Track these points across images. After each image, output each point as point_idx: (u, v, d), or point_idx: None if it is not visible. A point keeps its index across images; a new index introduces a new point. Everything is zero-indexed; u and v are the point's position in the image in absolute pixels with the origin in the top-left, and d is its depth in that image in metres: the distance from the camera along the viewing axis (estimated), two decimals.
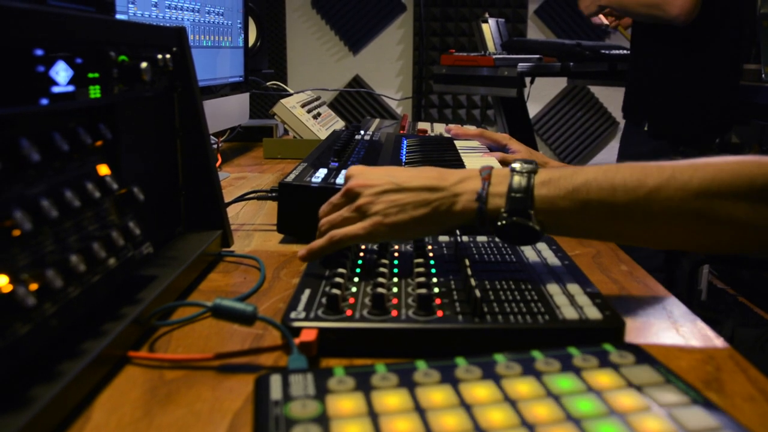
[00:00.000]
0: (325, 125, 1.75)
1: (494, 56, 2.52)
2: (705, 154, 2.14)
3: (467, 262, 0.63)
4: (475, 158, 1.16)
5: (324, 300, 0.58)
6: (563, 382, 0.43)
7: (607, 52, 2.56)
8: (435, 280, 0.64)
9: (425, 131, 1.59)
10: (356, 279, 0.64)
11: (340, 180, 0.88)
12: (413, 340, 0.55)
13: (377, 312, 0.56)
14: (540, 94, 3.92)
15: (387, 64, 3.99)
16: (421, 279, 0.60)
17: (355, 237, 0.65)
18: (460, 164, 1.08)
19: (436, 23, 3.89)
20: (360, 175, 0.68)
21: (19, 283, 0.41)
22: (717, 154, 0.60)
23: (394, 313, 0.56)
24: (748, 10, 2.19)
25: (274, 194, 0.96)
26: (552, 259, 0.71)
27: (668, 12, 1.98)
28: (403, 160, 1.08)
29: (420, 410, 0.40)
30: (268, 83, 2.06)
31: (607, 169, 0.61)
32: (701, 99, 2.13)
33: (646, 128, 2.20)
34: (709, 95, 2.13)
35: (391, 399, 0.41)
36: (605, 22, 2.54)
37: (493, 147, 1.32)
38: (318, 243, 0.67)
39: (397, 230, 0.64)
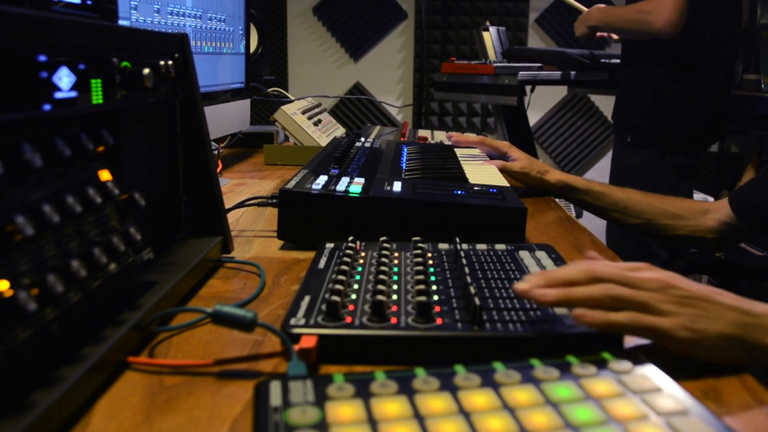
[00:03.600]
0: (326, 132, 1.76)
1: (495, 64, 2.53)
2: (694, 164, 2.12)
3: (467, 270, 0.64)
4: (476, 166, 1.16)
5: (324, 307, 0.58)
6: (562, 390, 0.43)
7: (607, 61, 2.57)
8: (435, 287, 0.64)
9: (426, 139, 1.59)
10: (356, 286, 0.64)
11: (340, 187, 0.88)
12: (412, 348, 0.55)
13: (377, 319, 0.56)
14: (540, 103, 3.93)
15: (388, 71, 4.00)
16: (421, 286, 0.60)
17: (660, 332, 0.55)
18: (460, 172, 1.08)
19: (437, 31, 3.90)
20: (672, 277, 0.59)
21: (20, 288, 0.41)
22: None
23: (393, 320, 0.56)
24: (735, 22, 2.19)
25: (274, 201, 0.96)
26: (551, 267, 0.71)
27: (653, 26, 1.99)
28: (404, 167, 1.08)
29: (419, 417, 0.40)
30: (269, 90, 2.07)
31: None
32: (685, 112, 2.14)
33: (629, 139, 2.22)
34: (693, 108, 2.14)
35: (390, 406, 0.41)
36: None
37: (494, 155, 1.32)
38: (618, 319, 0.54)
39: (701, 341, 0.55)
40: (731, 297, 0.58)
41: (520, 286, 0.57)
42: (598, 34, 2.35)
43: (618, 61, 2.63)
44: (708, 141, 2.28)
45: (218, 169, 1.49)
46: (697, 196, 2.96)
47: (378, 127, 1.76)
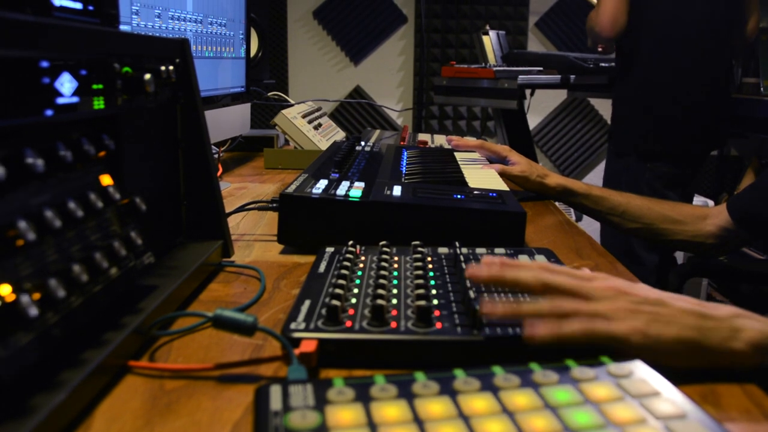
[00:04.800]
0: (326, 136, 1.76)
1: (495, 68, 2.53)
2: (684, 173, 2.12)
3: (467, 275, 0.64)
4: (475, 170, 1.16)
5: (324, 311, 0.58)
6: (561, 394, 0.43)
7: (606, 65, 2.58)
8: (434, 292, 0.64)
9: (425, 142, 1.59)
10: (356, 290, 0.64)
11: (340, 191, 0.88)
12: (412, 352, 0.55)
13: (377, 323, 0.56)
14: (540, 106, 3.94)
15: (388, 75, 4.01)
16: (421, 291, 0.61)
17: (613, 338, 0.54)
18: (460, 176, 1.08)
19: (437, 35, 3.90)
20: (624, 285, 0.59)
21: (22, 292, 0.41)
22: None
23: (393, 324, 0.57)
24: (724, 33, 2.18)
25: (274, 205, 0.97)
26: None
27: (594, 30, 2.18)
28: (404, 171, 1.08)
29: (418, 421, 0.40)
30: (269, 93, 2.07)
31: None
32: (662, 117, 2.16)
33: (612, 147, 2.26)
34: (669, 113, 2.15)
35: (390, 410, 0.41)
36: None
37: (493, 158, 1.33)
38: (569, 331, 0.53)
39: (657, 346, 0.53)
40: (689, 301, 0.57)
41: (473, 271, 0.59)
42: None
43: None
44: (694, 151, 2.24)
45: (219, 173, 1.49)
46: (698, 199, 2.96)
47: (378, 131, 1.76)
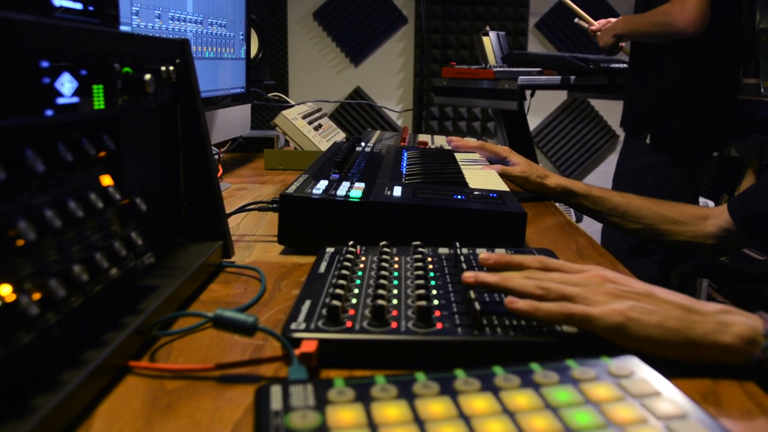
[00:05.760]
0: (326, 137, 1.76)
1: (495, 69, 2.53)
2: (703, 167, 2.15)
3: None
4: (476, 171, 1.16)
5: (324, 311, 0.58)
6: (561, 395, 0.43)
7: (607, 65, 2.58)
8: (435, 292, 0.64)
9: (426, 143, 1.59)
10: (356, 290, 0.64)
11: (341, 192, 0.88)
12: (413, 352, 0.55)
13: (377, 324, 0.56)
14: (540, 107, 3.93)
15: (388, 76, 4.01)
16: (421, 291, 0.61)
17: (590, 318, 0.55)
18: (460, 176, 1.08)
19: (437, 36, 3.90)
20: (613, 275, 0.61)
21: (22, 292, 0.41)
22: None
23: (393, 324, 0.57)
24: (744, 24, 2.21)
25: (275, 205, 0.96)
26: None
27: (676, 27, 2.01)
28: (404, 172, 1.08)
29: (419, 421, 0.40)
30: (269, 94, 2.07)
31: None
32: (704, 113, 2.15)
33: (648, 141, 2.22)
34: (711, 109, 2.15)
35: (390, 410, 0.41)
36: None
37: (494, 159, 1.33)
38: (546, 306, 0.56)
39: (635, 329, 0.54)
40: (678, 296, 0.57)
41: (484, 256, 0.64)
42: (621, 43, 2.37)
43: (619, 65, 2.64)
44: (718, 145, 2.29)
45: (219, 174, 1.49)
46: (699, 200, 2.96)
47: (378, 132, 1.76)
